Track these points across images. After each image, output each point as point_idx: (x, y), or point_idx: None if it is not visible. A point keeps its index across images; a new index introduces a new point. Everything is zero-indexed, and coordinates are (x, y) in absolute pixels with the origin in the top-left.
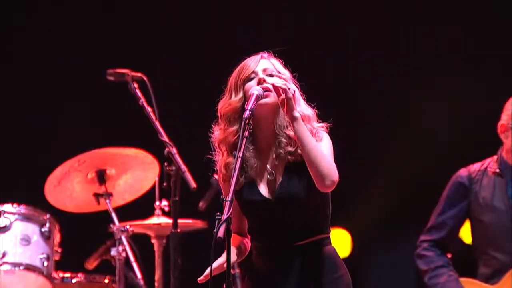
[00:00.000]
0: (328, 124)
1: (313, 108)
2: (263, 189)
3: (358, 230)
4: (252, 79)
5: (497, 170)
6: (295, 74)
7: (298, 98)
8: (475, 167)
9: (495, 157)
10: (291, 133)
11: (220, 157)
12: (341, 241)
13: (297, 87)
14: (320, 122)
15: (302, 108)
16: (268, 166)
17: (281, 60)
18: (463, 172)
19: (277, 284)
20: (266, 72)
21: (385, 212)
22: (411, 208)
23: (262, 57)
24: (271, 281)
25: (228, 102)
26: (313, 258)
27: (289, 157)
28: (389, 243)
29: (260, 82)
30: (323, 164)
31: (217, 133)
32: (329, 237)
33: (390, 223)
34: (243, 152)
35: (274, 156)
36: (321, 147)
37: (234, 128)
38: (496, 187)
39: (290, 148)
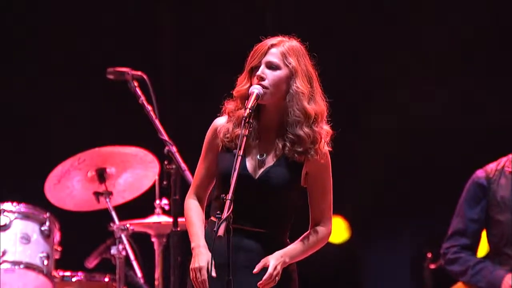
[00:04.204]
0: (334, 131)
1: (326, 101)
2: (250, 165)
3: (353, 217)
4: (258, 67)
5: None
6: (314, 59)
7: (314, 95)
8: (491, 166)
9: (510, 156)
10: (300, 132)
11: (227, 121)
12: (336, 228)
13: (312, 78)
14: (328, 121)
15: (318, 104)
16: (262, 146)
17: (301, 44)
18: (480, 173)
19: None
20: (270, 65)
21: (380, 198)
22: (406, 193)
23: (272, 45)
24: (224, 258)
25: (238, 88)
26: (270, 247)
27: (296, 155)
28: (385, 229)
29: (257, 78)
30: (319, 247)
31: (230, 105)
32: (288, 233)
33: (385, 209)
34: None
35: (279, 145)
36: (327, 199)
37: (243, 110)
38: None
39: (298, 148)
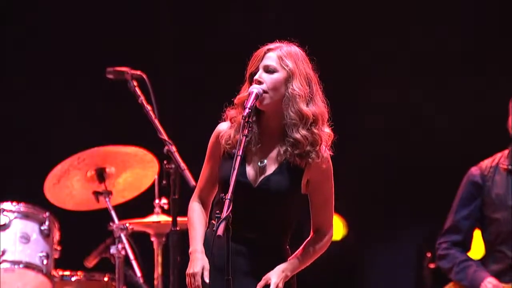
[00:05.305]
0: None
1: (327, 104)
2: (249, 172)
3: (353, 216)
4: (256, 73)
5: (509, 167)
6: (314, 64)
7: (313, 97)
8: (486, 163)
9: (505, 152)
10: (297, 135)
11: (230, 127)
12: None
13: (311, 80)
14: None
15: (318, 106)
16: (263, 152)
17: (300, 48)
18: (474, 170)
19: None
20: (267, 69)
21: (380, 198)
22: (406, 193)
23: (268, 50)
24: (222, 261)
25: (239, 96)
26: (268, 254)
27: (297, 158)
28: (385, 229)
29: (255, 82)
30: (321, 253)
31: (232, 112)
32: (288, 239)
33: (385, 209)
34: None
35: (281, 151)
36: (328, 207)
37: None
38: (510, 185)
39: (297, 151)
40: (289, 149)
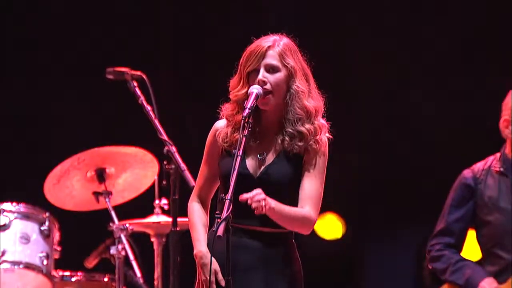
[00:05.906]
0: (329, 124)
1: (322, 96)
2: (250, 164)
3: (353, 216)
4: (256, 71)
5: (501, 169)
6: (308, 58)
7: (311, 91)
8: (479, 166)
9: (497, 154)
10: (301, 128)
11: (226, 125)
12: (332, 225)
13: (308, 74)
14: (323, 115)
15: (315, 99)
16: (262, 146)
17: (294, 42)
18: (467, 173)
19: (233, 264)
20: (270, 68)
21: (380, 197)
22: (406, 193)
23: (269, 47)
24: (223, 260)
25: (234, 92)
26: (274, 247)
27: (295, 146)
28: (385, 229)
29: (259, 83)
30: (300, 227)
31: (227, 109)
32: (292, 232)
33: (385, 209)
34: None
35: (278, 140)
36: (314, 184)
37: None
38: (502, 187)
39: (299, 143)
40: (287, 139)
